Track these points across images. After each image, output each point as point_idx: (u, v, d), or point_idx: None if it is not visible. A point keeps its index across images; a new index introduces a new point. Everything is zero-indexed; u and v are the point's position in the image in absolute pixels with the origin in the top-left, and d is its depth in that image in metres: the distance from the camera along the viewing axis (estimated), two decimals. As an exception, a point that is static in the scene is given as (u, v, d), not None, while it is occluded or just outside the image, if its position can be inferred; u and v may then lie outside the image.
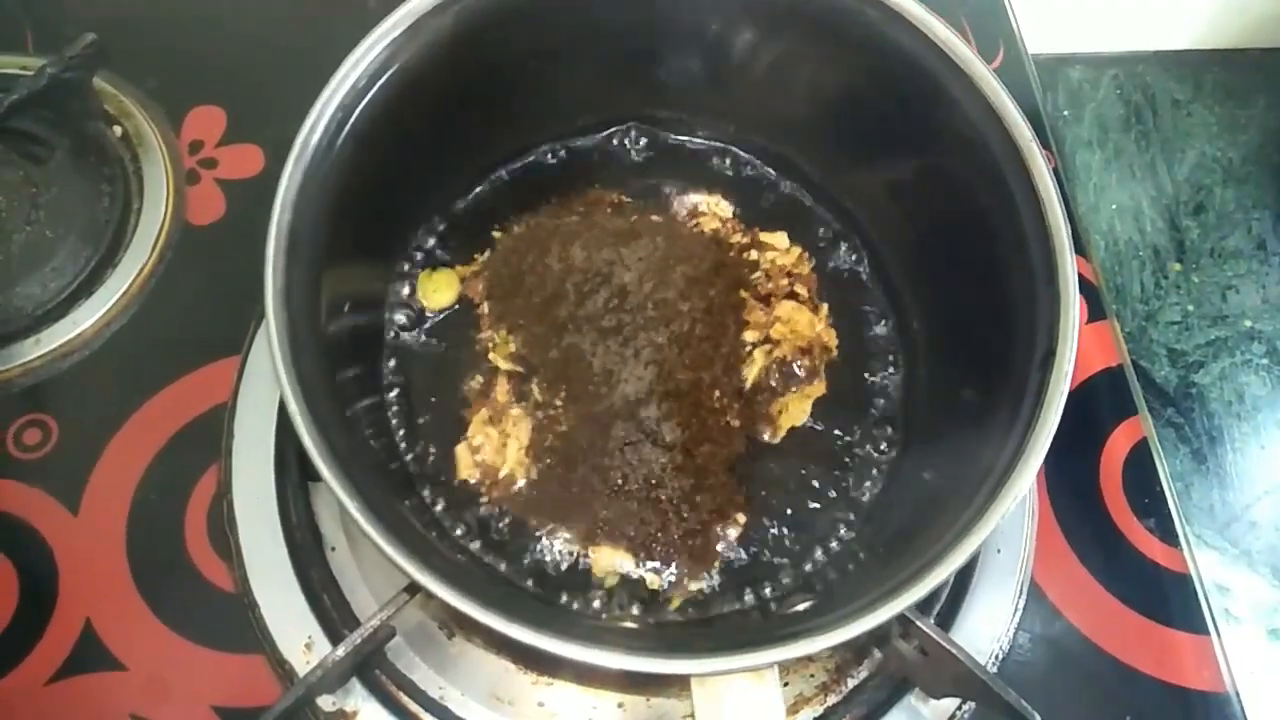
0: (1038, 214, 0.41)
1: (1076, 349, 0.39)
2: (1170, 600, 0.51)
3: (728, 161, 0.57)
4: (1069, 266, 0.40)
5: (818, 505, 0.49)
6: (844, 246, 0.55)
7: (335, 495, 0.34)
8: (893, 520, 0.46)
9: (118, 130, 0.58)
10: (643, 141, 0.57)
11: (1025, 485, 0.37)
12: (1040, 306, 0.40)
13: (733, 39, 0.50)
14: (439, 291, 0.52)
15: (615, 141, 0.57)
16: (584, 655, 0.33)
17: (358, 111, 0.42)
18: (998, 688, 0.43)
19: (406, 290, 0.52)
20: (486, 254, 0.53)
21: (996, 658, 0.48)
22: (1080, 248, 0.62)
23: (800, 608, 0.41)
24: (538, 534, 0.47)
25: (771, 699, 0.34)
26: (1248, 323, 0.70)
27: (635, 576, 0.46)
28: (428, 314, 0.52)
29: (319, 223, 0.41)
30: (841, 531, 0.48)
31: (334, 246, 0.42)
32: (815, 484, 0.49)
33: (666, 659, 0.33)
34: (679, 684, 0.45)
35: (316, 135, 0.41)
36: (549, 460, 0.48)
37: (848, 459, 0.50)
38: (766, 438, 0.50)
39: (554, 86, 0.52)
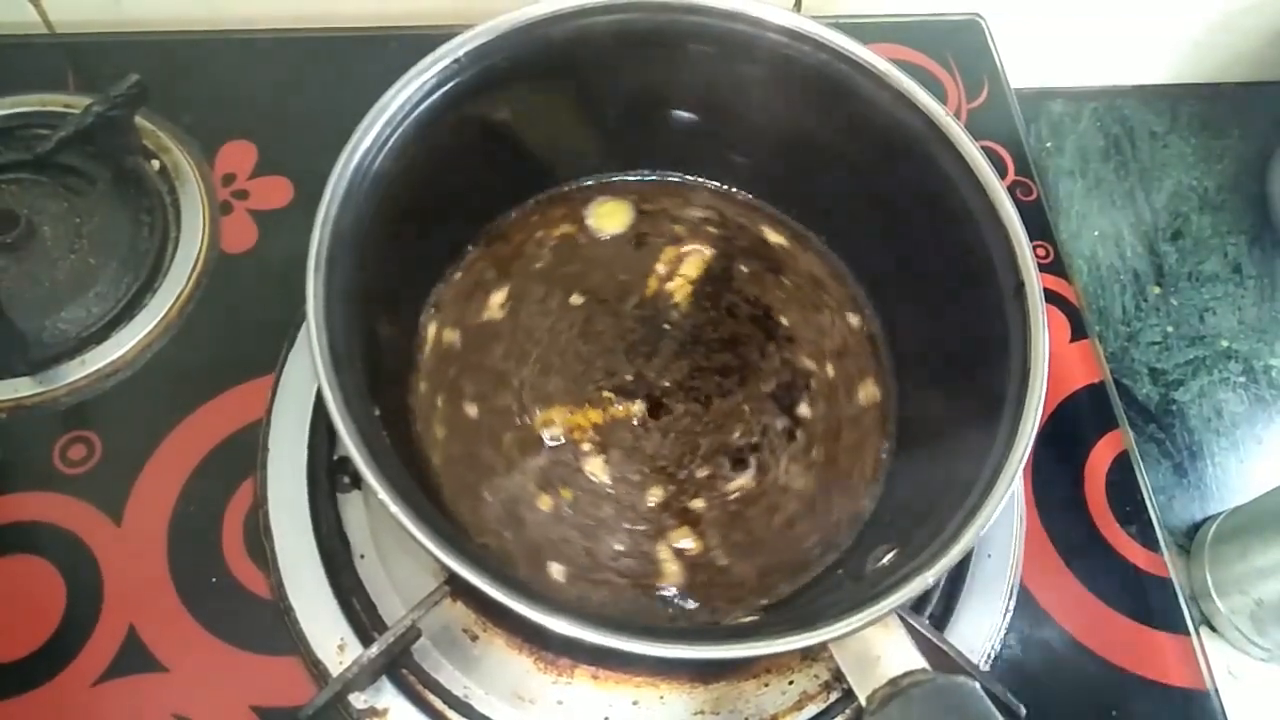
0: (1004, 238, 0.45)
1: (1049, 351, 0.42)
2: (1152, 602, 0.54)
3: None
4: (1034, 280, 0.44)
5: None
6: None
7: (378, 496, 0.37)
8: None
9: (156, 164, 0.61)
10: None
11: (1013, 478, 0.40)
12: (1012, 321, 0.44)
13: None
14: (611, 217, 0.57)
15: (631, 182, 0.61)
16: (673, 651, 0.36)
17: (398, 134, 0.46)
18: (989, 683, 0.46)
19: (434, 310, 0.55)
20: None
21: (988, 656, 0.51)
22: (1064, 272, 0.66)
23: (885, 561, 0.44)
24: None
25: (901, 640, 0.38)
26: (1225, 343, 0.74)
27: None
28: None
29: (358, 236, 0.44)
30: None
31: (371, 260, 0.45)
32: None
33: (802, 633, 0.36)
34: (690, 679, 0.48)
35: (362, 149, 0.45)
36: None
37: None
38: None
39: (573, 131, 0.56)
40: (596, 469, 0.51)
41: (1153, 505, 0.58)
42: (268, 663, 0.48)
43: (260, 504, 0.51)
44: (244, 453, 0.53)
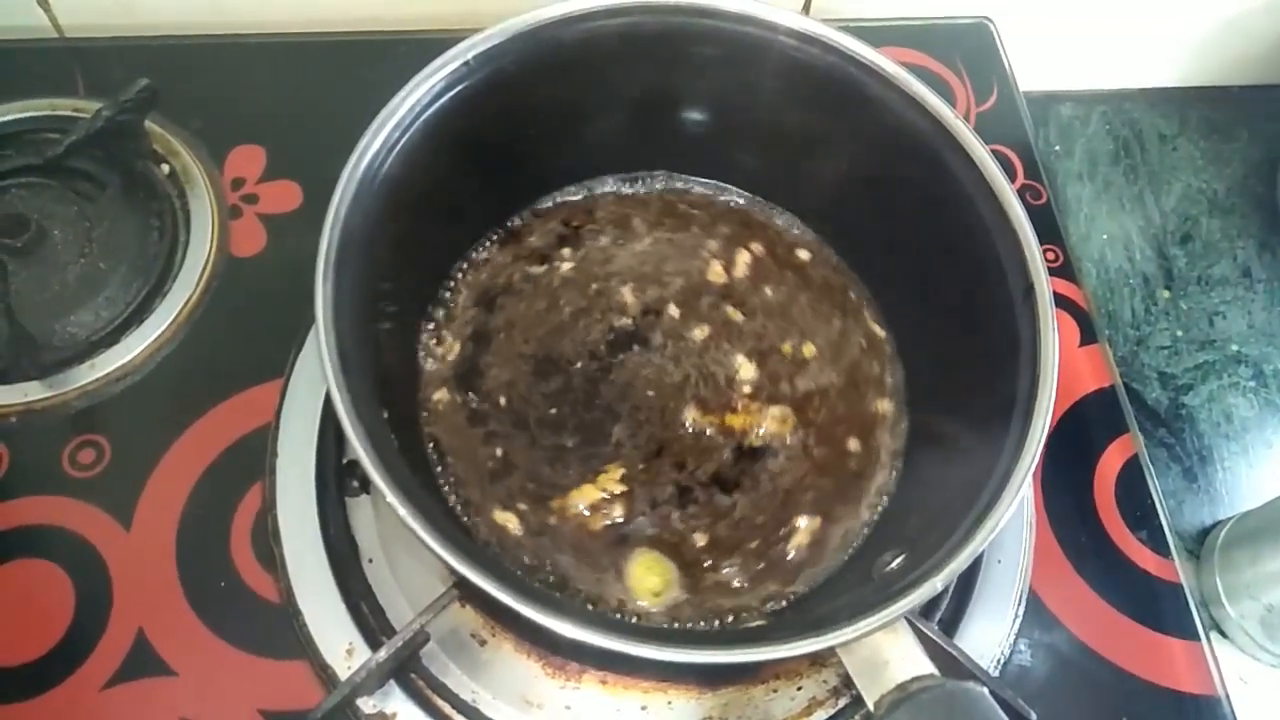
0: (1014, 241, 0.45)
1: (1058, 356, 0.42)
2: (1163, 608, 0.54)
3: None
4: (1044, 283, 0.44)
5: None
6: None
7: (387, 500, 0.37)
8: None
9: (165, 168, 0.62)
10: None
11: (1023, 482, 0.39)
12: (1022, 325, 0.44)
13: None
14: (648, 578, 0.48)
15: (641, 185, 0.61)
16: (675, 655, 0.35)
17: (407, 137, 0.46)
18: (998, 689, 0.46)
19: (442, 313, 0.55)
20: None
21: (998, 662, 0.51)
22: (1073, 275, 0.65)
23: (893, 565, 0.43)
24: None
25: (910, 645, 0.37)
26: (1235, 347, 0.73)
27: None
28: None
29: (366, 239, 0.44)
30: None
31: (380, 263, 0.45)
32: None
33: (810, 637, 0.36)
34: (698, 685, 0.48)
35: (371, 152, 0.45)
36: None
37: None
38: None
39: (582, 134, 0.56)
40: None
41: (1163, 510, 0.57)
42: (276, 667, 0.48)
43: (269, 508, 0.51)
44: (253, 457, 0.53)
